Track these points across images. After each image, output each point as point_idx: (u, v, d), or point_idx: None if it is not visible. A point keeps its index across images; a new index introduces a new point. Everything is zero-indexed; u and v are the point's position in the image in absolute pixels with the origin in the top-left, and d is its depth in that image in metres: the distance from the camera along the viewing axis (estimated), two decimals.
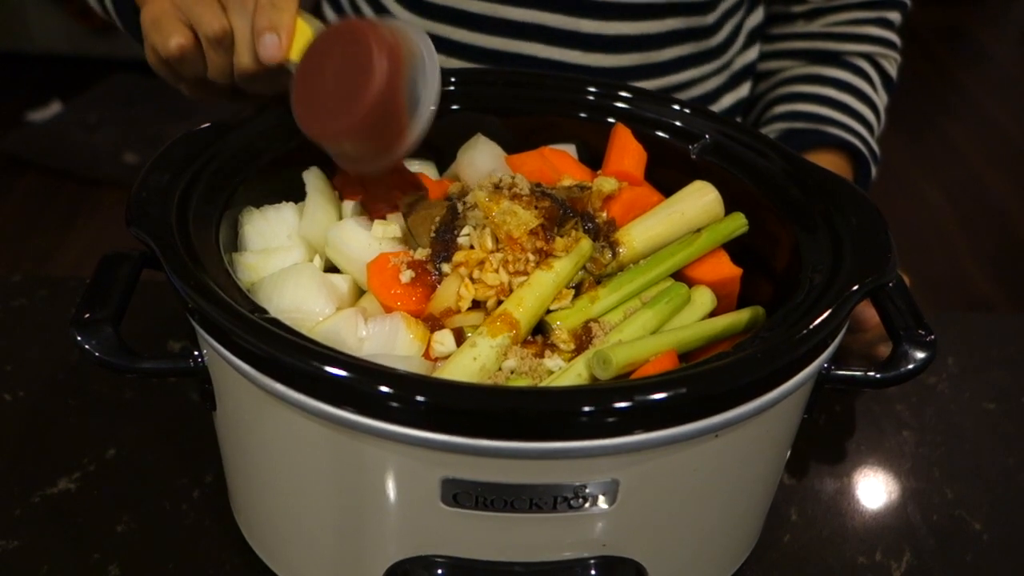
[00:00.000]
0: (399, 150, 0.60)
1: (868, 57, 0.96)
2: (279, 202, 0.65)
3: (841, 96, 0.94)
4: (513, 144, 0.71)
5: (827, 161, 0.88)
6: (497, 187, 0.61)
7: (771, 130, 0.95)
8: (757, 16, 0.98)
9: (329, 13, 1.04)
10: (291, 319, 0.54)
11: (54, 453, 0.70)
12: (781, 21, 1.00)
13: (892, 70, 0.98)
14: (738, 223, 0.65)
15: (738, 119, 1.02)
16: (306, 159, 0.65)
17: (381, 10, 0.93)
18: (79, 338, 0.51)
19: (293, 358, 0.47)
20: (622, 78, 0.90)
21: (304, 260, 0.62)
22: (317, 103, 0.59)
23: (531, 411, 0.46)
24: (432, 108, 0.60)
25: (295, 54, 0.61)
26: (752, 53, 0.99)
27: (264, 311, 0.51)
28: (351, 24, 0.59)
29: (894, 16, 0.97)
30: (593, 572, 0.53)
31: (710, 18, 0.90)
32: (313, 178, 0.65)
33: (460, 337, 0.57)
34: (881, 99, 0.97)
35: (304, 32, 0.61)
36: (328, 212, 0.64)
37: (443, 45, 0.90)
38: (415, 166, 0.70)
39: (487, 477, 0.48)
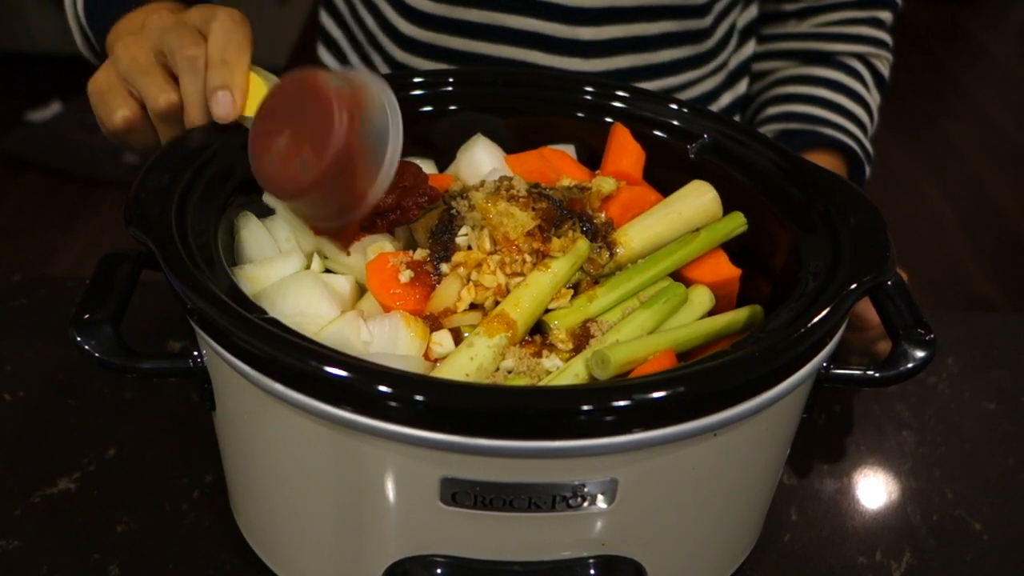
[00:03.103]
0: (361, 206, 0.57)
1: (860, 57, 0.97)
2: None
3: (835, 97, 0.94)
4: (513, 144, 0.71)
5: (822, 161, 0.89)
6: (495, 188, 0.61)
7: (765, 131, 0.95)
8: (750, 13, 0.98)
9: (329, 23, 1.04)
10: (295, 323, 0.54)
11: (54, 453, 0.70)
12: (773, 21, 1.00)
13: (884, 70, 0.98)
14: (737, 222, 0.65)
15: (737, 117, 1.02)
16: None
17: (383, 21, 0.93)
18: (79, 338, 0.51)
19: (292, 358, 0.47)
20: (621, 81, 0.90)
21: (303, 266, 0.62)
22: (276, 159, 0.57)
23: (530, 410, 0.46)
24: (395, 160, 0.56)
25: (250, 109, 0.58)
26: (747, 50, 1.00)
27: (263, 311, 0.51)
28: (308, 76, 0.56)
29: (885, 16, 0.97)
30: (592, 571, 0.53)
31: (706, 20, 0.91)
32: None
33: (458, 337, 0.57)
34: (874, 99, 0.97)
35: (258, 87, 0.58)
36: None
37: (443, 54, 0.91)
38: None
39: (486, 476, 0.48)
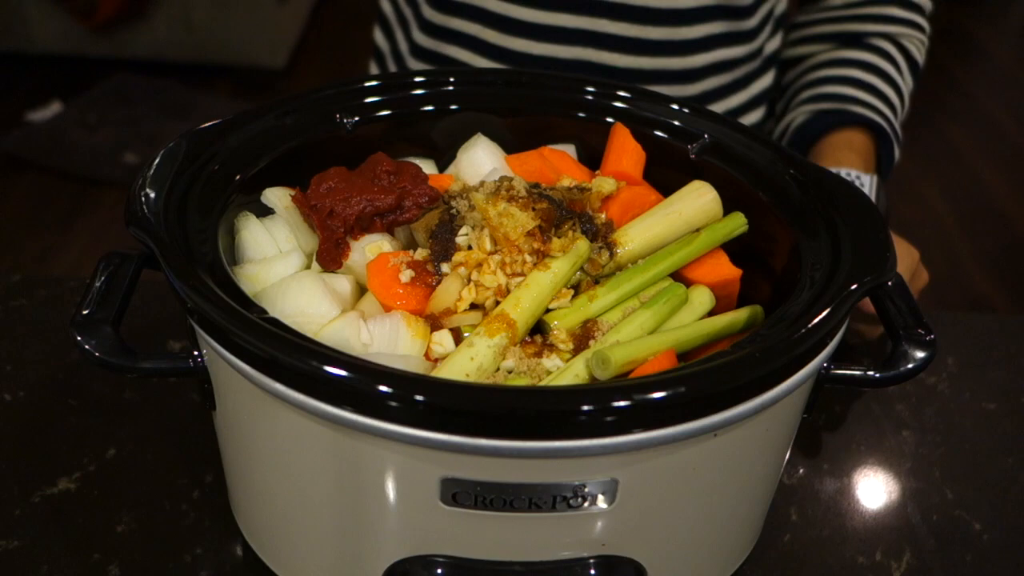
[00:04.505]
0: None
1: (891, 38, 0.99)
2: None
3: (866, 76, 0.96)
4: (513, 144, 0.71)
5: (851, 139, 0.91)
6: (495, 188, 0.61)
7: (798, 113, 0.98)
8: (783, 4, 1.02)
9: (386, 6, 1.07)
10: (295, 323, 0.54)
11: (54, 453, 0.70)
12: (808, 4, 1.04)
13: (917, 53, 1.00)
14: (737, 223, 0.65)
15: (762, 107, 1.04)
16: (305, 158, 0.65)
17: (413, 5, 0.98)
18: (79, 338, 0.51)
19: (292, 358, 0.47)
20: (653, 54, 0.92)
21: (303, 266, 0.62)
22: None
23: (530, 410, 0.46)
24: None
25: None
26: (777, 40, 1.04)
27: (263, 311, 0.51)
28: None
29: None
30: (592, 572, 0.53)
31: (752, 21, 0.94)
32: (275, 197, 0.64)
33: (459, 337, 0.57)
34: (906, 83, 0.99)
35: None
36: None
37: (471, 44, 0.93)
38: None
39: (486, 476, 0.48)
